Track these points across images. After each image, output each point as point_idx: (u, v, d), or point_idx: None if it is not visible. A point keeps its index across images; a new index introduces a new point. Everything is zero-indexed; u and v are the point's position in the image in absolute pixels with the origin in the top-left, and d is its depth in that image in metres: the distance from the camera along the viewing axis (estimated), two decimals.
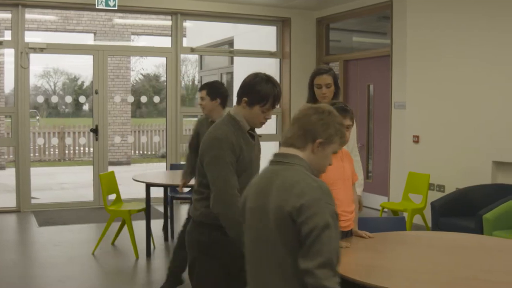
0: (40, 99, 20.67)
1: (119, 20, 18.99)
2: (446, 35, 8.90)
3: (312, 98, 5.78)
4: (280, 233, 2.77)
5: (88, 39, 18.98)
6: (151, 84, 29.91)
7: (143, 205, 7.87)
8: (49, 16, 17.74)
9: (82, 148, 20.40)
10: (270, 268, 2.84)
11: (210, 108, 6.52)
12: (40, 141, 18.80)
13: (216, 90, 6.55)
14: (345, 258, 3.74)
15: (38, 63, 25.64)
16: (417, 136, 9.25)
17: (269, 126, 12.72)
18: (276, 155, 3.07)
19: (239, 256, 3.20)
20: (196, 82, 28.82)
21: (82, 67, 24.81)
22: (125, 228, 8.07)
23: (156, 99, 15.43)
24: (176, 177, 8.76)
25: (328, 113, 2.98)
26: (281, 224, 2.76)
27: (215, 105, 6.51)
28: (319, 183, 2.79)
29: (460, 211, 7.72)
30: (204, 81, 19.25)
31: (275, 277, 2.82)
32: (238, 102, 3.86)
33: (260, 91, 3.77)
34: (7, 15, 11.24)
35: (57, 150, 20.20)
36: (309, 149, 2.95)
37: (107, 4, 10.53)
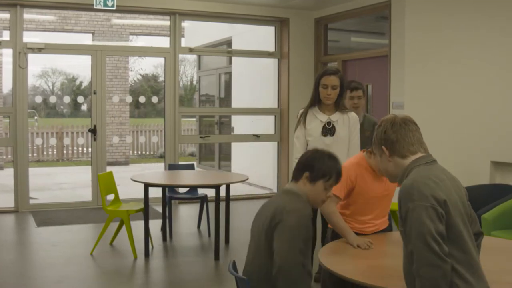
0: (39, 99, 20.63)
1: (118, 20, 18.99)
2: (445, 36, 8.92)
3: (316, 97, 5.79)
4: None
5: (86, 39, 18.97)
6: (150, 84, 29.94)
7: (141, 205, 7.86)
8: (47, 16, 17.73)
9: (80, 148, 20.40)
10: None
11: (363, 106, 6.48)
12: (38, 141, 18.75)
13: (364, 89, 6.51)
14: (353, 260, 3.75)
15: (36, 63, 25.63)
16: None
17: (268, 126, 12.73)
18: None
19: None
20: (194, 82, 28.85)
21: (81, 67, 24.79)
22: (124, 228, 8.07)
23: (155, 99, 15.42)
24: (174, 177, 8.78)
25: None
26: None
27: (364, 104, 6.53)
28: None
29: None
30: (203, 81, 19.35)
31: None
32: (297, 178, 3.87)
33: (323, 165, 3.82)
34: (5, 15, 11.24)
35: (55, 150, 20.20)
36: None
37: (105, 4, 10.52)
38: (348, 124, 5.77)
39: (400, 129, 3.26)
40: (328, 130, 5.72)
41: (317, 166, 3.80)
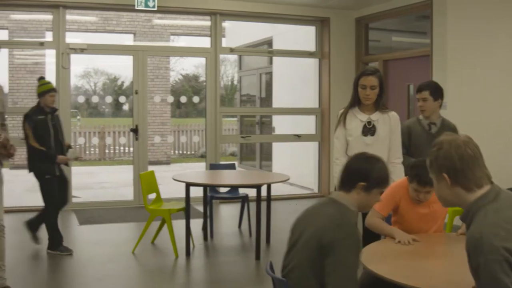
0: (81, 99, 20.91)
1: (159, 20, 19.10)
2: (488, 34, 8.81)
3: (356, 98, 5.76)
4: None
5: (127, 39, 19.11)
6: (191, 84, 30.04)
7: (182, 205, 7.90)
8: (89, 17, 17.90)
9: (122, 148, 20.55)
10: None
11: (432, 109, 6.32)
12: (81, 140, 18.97)
13: (439, 91, 6.36)
14: (385, 259, 3.73)
15: (78, 64, 25.89)
16: None
17: (309, 126, 12.70)
18: None
19: None
20: (235, 82, 28.89)
21: (122, 68, 24.97)
22: (165, 227, 8.11)
23: (196, 99, 15.52)
24: (215, 177, 8.81)
25: None
26: None
27: (437, 106, 6.32)
28: None
29: None
30: (244, 81, 19.35)
31: None
32: (349, 188, 3.67)
33: (378, 174, 3.68)
34: (48, 17, 11.37)
35: (97, 149, 20.38)
36: None
37: (146, 5, 10.60)
38: (389, 123, 5.72)
39: (467, 156, 2.96)
40: (369, 129, 5.69)
41: (373, 175, 3.63)
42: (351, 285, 3.31)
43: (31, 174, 7.84)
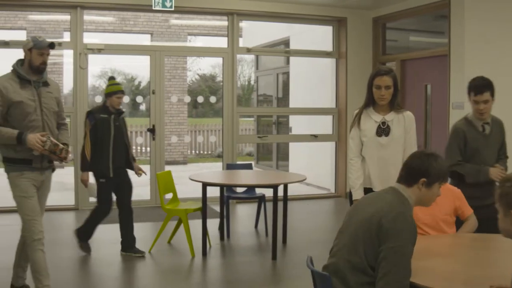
0: (98, 99, 20.87)
1: (176, 21, 19.12)
2: (506, 34, 8.75)
3: (371, 98, 5.73)
4: None
5: (145, 39, 19.15)
6: (208, 84, 30.05)
7: (199, 205, 7.91)
8: (107, 18, 17.95)
9: (139, 148, 20.59)
10: None
11: (490, 110, 6.15)
12: None
13: (494, 87, 6.13)
14: None
15: (96, 64, 25.88)
16: None
17: (326, 126, 12.69)
18: None
19: None
20: (252, 82, 28.90)
21: (139, 68, 24.96)
22: (182, 227, 8.13)
23: (213, 99, 15.50)
24: (232, 177, 8.81)
25: None
26: None
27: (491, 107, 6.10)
28: None
29: None
30: (260, 81, 19.36)
31: None
32: (410, 183, 3.81)
33: (437, 169, 3.81)
34: (66, 17, 11.42)
35: None
36: None
37: (163, 5, 10.62)
38: (403, 123, 5.67)
39: None
40: (383, 130, 5.65)
41: (433, 171, 3.78)
42: (405, 273, 3.42)
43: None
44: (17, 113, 5.49)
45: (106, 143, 7.57)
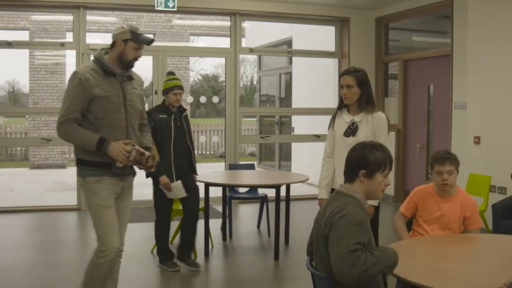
0: None
1: (178, 21, 19.14)
2: (509, 34, 8.73)
3: (340, 99, 5.77)
4: None
5: None
6: (210, 85, 30.07)
7: (202, 205, 7.89)
8: (110, 18, 17.96)
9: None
10: None
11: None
12: None
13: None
14: (403, 260, 3.71)
15: None
16: (478, 137, 9.10)
17: (324, 126, 12.66)
18: None
19: None
20: (254, 82, 28.91)
21: (142, 68, 24.94)
22: None
23: (215, 99, 15.52)
24: (234, 177, 8.80)
25: None
26: None
27: None
28: None
29: None
30: (263, 81, 19.37)
31: None
32: (352, 178, 3.78)
33: (375, 158, 3.73)
34: (69, 17, 11.43)
35: None
36: None
37: (166, 6, 10.63)
38: (371, 124, 5.55)
39: None
40: (352, 130, 5.62)
41: (371, 160, 3.71)
42: (341, 251, 3.42)
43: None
44: (98, 110, 4.83)
45: (167, 145, 7.04)
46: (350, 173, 3.77)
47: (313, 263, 3.79)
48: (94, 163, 4.86)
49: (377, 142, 3.94)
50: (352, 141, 5.48)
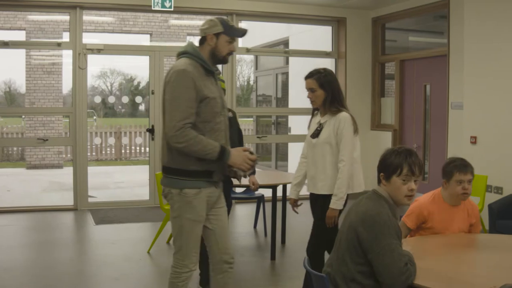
0: (97, 99, 20.96)
1: (175, 21, 19.12)
2: (505, 34, 8.75)
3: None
4: None
5: (144, 40, 19.14)
6: None
7: None
8: (106, 18, 17.96)
9: (138, 148, 20.62)
10: None
11: None
12: (97, 140, 19.06)
13: None
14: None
15: (95, 64, 25.94)
16: (475, 137, 9.11)
17: None
18: None
19: None
20: (251, 82, 28.91)
21: (138, 68, 24.98)
22: None
23: None
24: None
25: None
26: None
27: None
28: None
29: None
30: (260, 81, 19.37)
31: None
32: (379, 180, 3.87)
33: (390, 161, 3.77)
34: (65, 17, 11.42)
35: (113, 149, 20.45)
36: None
37: (163, 6, 10.62)
38: (333, 125, 5.53)
39: None
40: (318, 132, 5.64)
41: (386, 163, 3.80)
42: (399, 265, 3.46)
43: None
44: (205, 113, 4.40)
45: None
46: (378, 176, 3.88)
47: (311, 262, 3.80)
48: (196, 173, 4.39)
49: (408, 147, 3.92)
50: (315, 142, 5.54)
